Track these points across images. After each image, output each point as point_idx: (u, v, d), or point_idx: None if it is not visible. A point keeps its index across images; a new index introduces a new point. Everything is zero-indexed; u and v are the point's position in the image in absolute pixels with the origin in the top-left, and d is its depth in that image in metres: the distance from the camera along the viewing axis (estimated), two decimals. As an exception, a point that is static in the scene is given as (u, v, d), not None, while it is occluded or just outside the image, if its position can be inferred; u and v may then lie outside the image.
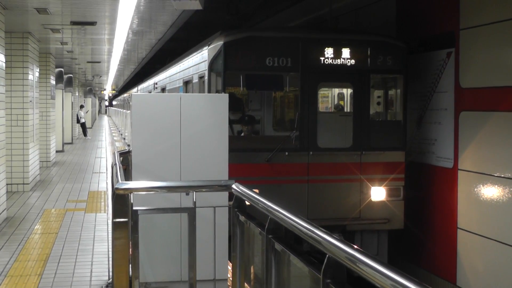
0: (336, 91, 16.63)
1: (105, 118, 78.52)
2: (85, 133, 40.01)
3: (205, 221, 5.27)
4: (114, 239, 4.92)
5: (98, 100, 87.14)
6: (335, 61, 11.52)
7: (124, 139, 30.80)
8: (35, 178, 17.44)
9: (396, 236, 12.51)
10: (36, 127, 17.84)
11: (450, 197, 11.70)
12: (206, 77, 11.99)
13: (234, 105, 12.30)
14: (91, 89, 58.02)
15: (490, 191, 10.77)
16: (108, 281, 7.79)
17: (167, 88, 20.29)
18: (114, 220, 4.91)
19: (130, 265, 5.00)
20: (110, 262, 6.50)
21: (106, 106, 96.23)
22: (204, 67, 12.20)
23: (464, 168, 11.46)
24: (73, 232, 11.15)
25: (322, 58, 11.49)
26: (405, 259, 13.08)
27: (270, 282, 4.09)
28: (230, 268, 5.13)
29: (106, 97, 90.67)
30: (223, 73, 11.19)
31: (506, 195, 10.32)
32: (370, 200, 11.63)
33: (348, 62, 11.58)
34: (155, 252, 7.27)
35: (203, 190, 5.31)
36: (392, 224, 11.81)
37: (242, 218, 4.80)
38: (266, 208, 4.21)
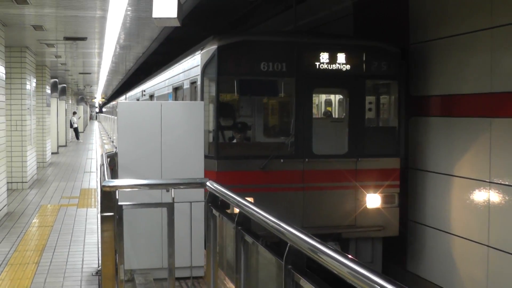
0: (323, 97, 15.20)
1: (96, 124, 78.01)
2: (77, 137, 39.89)
3: (183, 214, 5.24)
4: (102, 231, 4.89)
5: (89, 107, 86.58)
6: (330, 66, 10.27)
7: (113, 142, 30.60)
8: (33, 177, 17.34)
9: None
10: (33, 131, 17.77)
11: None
12: (198, 82, 10.55)
13: (227, 111, 11.46)
14: (82, 97, 57.60)
15: (432, 185, 11.06)
16: (98, 269, 7.75)
17: (155, 95, 18.57)
18: (102, 214, 4.87)
19: (117, 254, 4.94)
20: (99, 252, 6.44)
21: (96, 113, 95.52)
22: (197, 72, 10.75)
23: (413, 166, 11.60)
24: (66, 225, 11.10)
25: (317, 63, 10.23)
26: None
27: (240, 268, 4.08)
28: (205, 256, 5.10)
29: (97, 105, 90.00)
30: (217, 78, 9.94)
31: (446, 189, 10.68)
32: (366, 207, 10.41)
33: (344, 67, 10.35)
34: (138, 242, 7.24)
35: (181, 187, 5.29)
36: (387, 231, 10.64)
37: (215, 212, 4.79)
38: (236, 203, 4.21)
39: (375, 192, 10.40)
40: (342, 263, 2.52)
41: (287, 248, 3.12)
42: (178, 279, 6.45)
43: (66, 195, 14.96)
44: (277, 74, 10.12)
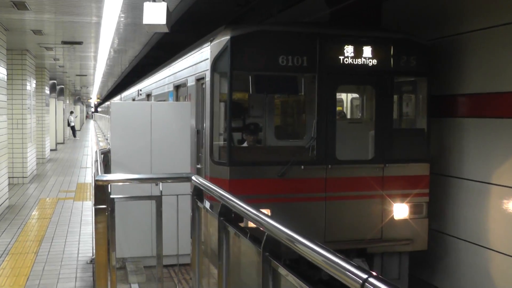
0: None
1: (92, 122, 77.55)
2: (74, 135, 39.74)
3: (171, 206, 5.31)
4: (95, 222, 4.94)
5: (86, 107, 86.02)
6: (355, 61, 8.46)
7: (107, 139, 30.51)
8: (33, 172, 17.32)
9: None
10: (33, 129, 17.76)
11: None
12: (207, 79, 8.58)
13: (240, 111, 9.81)
14: (79, 97, 57.28)
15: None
16: (92, 257, 7.80)
17: (152, 94, 16.15)
18: (95, 206, 4.93)
19: (109, 244, 5.01)
20: (93, 242, 6.51)
21: (92, 112, 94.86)
22: (205, 67, 8.72)
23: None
24: (63, 217, 11.13)
25: (341, 57, 8.40)
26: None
27: (222, 255, 4.14)
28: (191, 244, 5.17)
29: (92, 105, 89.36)
30: (230, 73, 8.02)
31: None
32: (393, 218, 8.62)
33: (370, 62, 8.52)
34: (130, 232, 7.32)
35: (169, 181, 5.33)
36: (416, 245, 8.83)
37: (200, 204, 4.85)
38: (219, 196, 4.25)
39: (402, 202, 8.70)
40: (316, 251, 2.51)
41: (265, 237, 3.14)
42: (166, 266, 6.54)
43: (64, 189, 14.95)
44: (297, 69, 8.35)
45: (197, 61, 9.50)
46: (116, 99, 42.70)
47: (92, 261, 7.66)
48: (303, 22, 12.01)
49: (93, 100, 73.10)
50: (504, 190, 8.39)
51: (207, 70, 8.49)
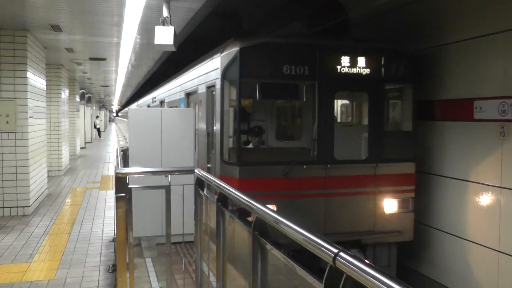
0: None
1: (113, 125, 77.42)
2: (99, 135, 39.68)
3: (178, 194, 5.28)
4: (116, 208, 4.90)
5: (109, 112, 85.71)
6: (351, 70, 7.99)
7: (126, 139, 30.40)
8: (66, 166, 17.32)
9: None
10: (67, 131, 17.80)
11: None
12: (217, 86, 8.08)
13: (248, 115, 9.28)
14: (103, 104, 57.14)
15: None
16: (114, 236, 7.78)
17: (166, 101, 15.25)
18: (116, 195, 4.88)
19: (127, 225, 4.98)
20: (115, 224, 6.48)
21: (114, 117, 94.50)
22: (216, 75, 8.24)
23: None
24: (91, 204, 11.13)
25: (338, 67, 7.93)
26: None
27: (220, 234, 4.12)
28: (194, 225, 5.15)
29: (114, 110, 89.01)
30: (239, 80, 7.56)
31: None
32: (384, 212, 8.21)
33: (364, 71, 8.05)
34: (144, 216, 7.30)
35: (176, 173, 5.30)
36: (403, 236, 8.41)
37: (201, 192, 4.83)
38: (216, 185, 4.23)
39: (392, 197, 8.28)
40: (297, 231, 2.49)
41: (255, 219, 3.14)
42: (173, 243, 6.48)
43: (91, 180, 14.94)
44: (300, 77, 7.78)
45: (207, 71, 8.98)
46: (134, 105, 42.55)
47: (113, 240, 7.68)
48: (303, 34, 11.45)
49: (115, 107, 72.93)
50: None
51: (218, 78, 8.03)
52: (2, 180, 9.77)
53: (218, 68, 8.07)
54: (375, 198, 8.14)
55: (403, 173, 8.35)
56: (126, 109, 59.93)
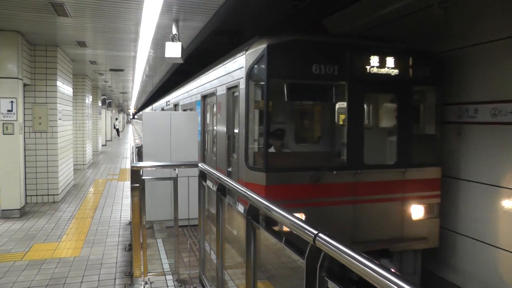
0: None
1: (130, 126, 77.12)
2: (118, 135, 39.56)
3: (184, 185, 5.26)
4: (132, 196, 4.88)
5: (126, 115, 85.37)
6: (380, 71, 6.54)
7: (141, 138, 30.21)
8: (89, 161, 17.21)
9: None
10: (90, 131, 17.68)
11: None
12: (241, 86, 6.53)
13: (276, 118, 7.77)
14: (122, 108, 56.82)
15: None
16: (130, 220, 7.75)
17: (180, 104, 13.36)
18: (132, 185, 4.86)
19: (141, 211, 4.97)
20: (131, 209, 6.46)
21: (130, 119, 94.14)
22: (239, 75, 6.70)
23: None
24: (110, 193, 11.06)
25: (368, 67, 6.47)
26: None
27: (219, 219, 4.11)
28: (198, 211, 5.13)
29: (131, 113, 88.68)
30: (266, 80, 6.03)
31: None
32: (411, 219, 6.83)
33: (392, 72, 6.61)
34: (155, 203, 7.28)
35: (182, 167, 5.27)
36: (430, 243, 7.03)
37: (204, 183, 4.81)
38: (216, 177, 4.20)
39: (419, 203, 6.93)
40: (284, 216, 2.45)
41: (248, 206, 3.13)
42: (181, 226, 6.49)
43: (111, 172, 14.86)
44: (329, 77, 6.28)
45: (229, 71, 7.38)
46: (148, 109, 42.34)
47: (129, 223, 7.62)
48: (331, 33, 9.75)
49: (131, 110, 72.56)
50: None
51: (241, 78, 6.54)
52: (36, 172, 9.76)
53: (242, 67, 6.57)
54: (403, 204, 6.81)
55: (429, 178, 7.03)
56: (141, 112, 59.58)
